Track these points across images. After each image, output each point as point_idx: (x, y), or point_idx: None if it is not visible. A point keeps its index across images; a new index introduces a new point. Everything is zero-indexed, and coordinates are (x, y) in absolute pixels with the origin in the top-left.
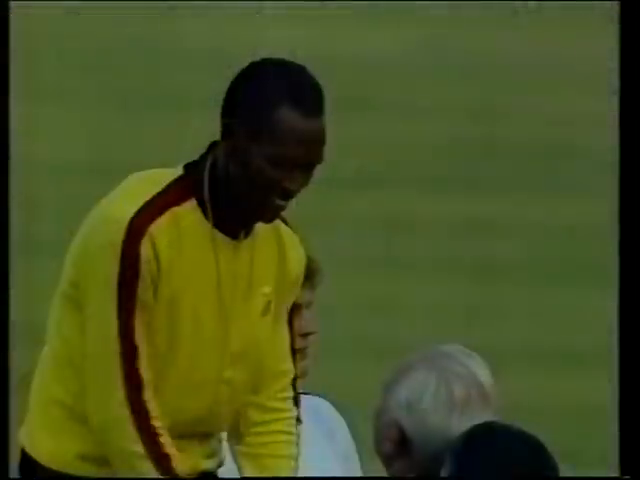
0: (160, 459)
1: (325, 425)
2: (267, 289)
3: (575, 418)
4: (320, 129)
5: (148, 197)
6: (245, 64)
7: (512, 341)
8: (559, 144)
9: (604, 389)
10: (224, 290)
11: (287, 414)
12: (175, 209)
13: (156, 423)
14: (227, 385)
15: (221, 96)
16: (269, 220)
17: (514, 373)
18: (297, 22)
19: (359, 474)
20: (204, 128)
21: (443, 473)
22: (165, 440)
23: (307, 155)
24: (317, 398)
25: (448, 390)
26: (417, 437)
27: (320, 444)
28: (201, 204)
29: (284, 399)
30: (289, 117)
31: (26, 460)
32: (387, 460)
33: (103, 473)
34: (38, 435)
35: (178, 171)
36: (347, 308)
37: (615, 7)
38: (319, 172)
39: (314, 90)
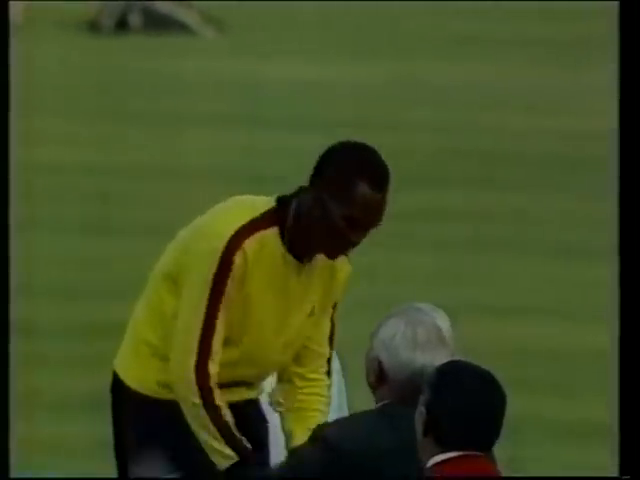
0: (211, 408)
1: None
2: (315, 297)
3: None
4: (385, 201)
5: (246, 220)
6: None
7: (467, 299)
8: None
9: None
10: (286, 297)
11: (322, 382)
12: (263, 232)
13: (213, 384)
14: (276, 364)
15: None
16: (332, 259)
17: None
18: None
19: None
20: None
21: (421, 401)
22: (217, 396)
23: (373, 220)
24: None
25: (413, 332)
26: (391, 368)
27: None
28: (282, 232)
29: (321, 372)
30: (364, 190)
31: (117, 382)
32: (372, 389)
33: (172, 396)
34: (129, 364)
35: (272, 202)
36: None
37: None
38: None
39: (384, 169)
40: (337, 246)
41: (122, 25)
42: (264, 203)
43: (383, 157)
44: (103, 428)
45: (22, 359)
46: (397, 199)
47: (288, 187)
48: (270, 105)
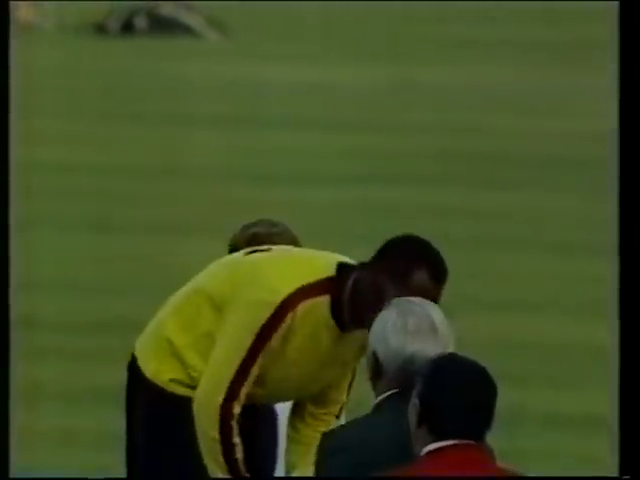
0: (227, 445)
1: None
2: (348, 357)
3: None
4: (440, 294)
5: (305, 282)
6: None
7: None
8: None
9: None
10: (319, 360)
11: (331, 423)
12: (317, 299)
13: (234, 423)
14: (293, 398)
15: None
16: None
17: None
18: None
19: None
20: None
21: (414, 393)
22: (236, 435)
23: None
24: None
25: (404, 320)
26: (385, 359)
27: None
28: (332, 301)
29: (332, 414)
30: (423, 278)
31: (134, 365)
32: (372, 385)
33: (186, 392)
34: (148, 355)
35: (331, 267)
36: None
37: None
38: None
39: (444, 264)
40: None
41: (128, 28)
42: (323, 266)
43: (383, 157)
44: (105, 420)
45: (23, 353)
46: (397, 196)
47: (290, 187)
48: (272, 106)
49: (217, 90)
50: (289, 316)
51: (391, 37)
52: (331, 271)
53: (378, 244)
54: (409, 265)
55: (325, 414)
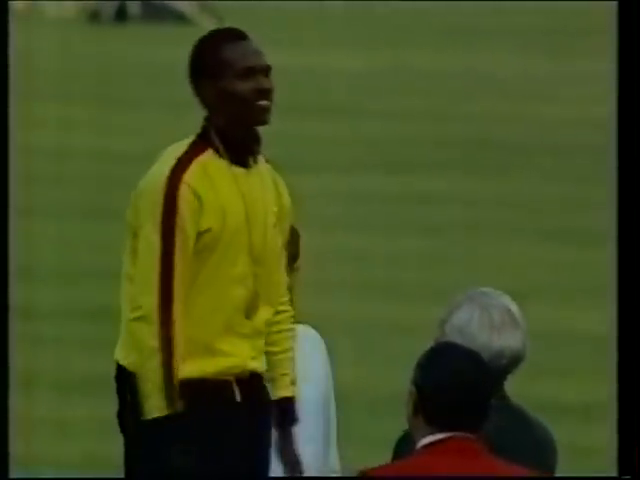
0: (168, 357)
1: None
2: (275, 208)
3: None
4: (254, 43)
5: (178, 156)
6: None
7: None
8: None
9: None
10: (249, 209)
11: (289, 313)
12: (199, 159)
13: (176, 330)
14: (256, 278)
15: None
16: (264, 121)
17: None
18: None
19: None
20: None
21: (411, 380)
22: (177, 344)
23: (259, 60)
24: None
25: (489, 316)
26: None
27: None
28: (216, 150)
29: (285, 302)
30: (232, 45)
31: (119, 370)
32: None
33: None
34: (127, 351)
35: (192, 137)
36: None
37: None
38: None
39: (235, 29)
40: (257, 100)
41: (121, 14)
42: (187, 140)
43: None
44: (102, 409)
45: (22, 341)
46: (389, 183)
47: (287, 171)
48: None
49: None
50: (182, 191)
51: (386, 24)
52: (192, 138)
53: (374, 231)
54: (216, 53)
55: (281, 304)
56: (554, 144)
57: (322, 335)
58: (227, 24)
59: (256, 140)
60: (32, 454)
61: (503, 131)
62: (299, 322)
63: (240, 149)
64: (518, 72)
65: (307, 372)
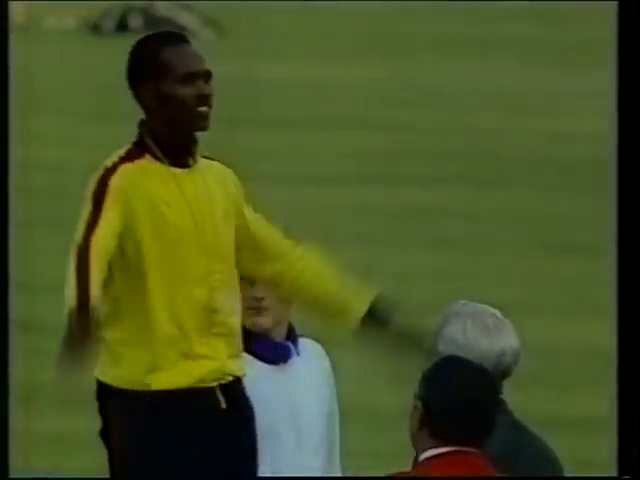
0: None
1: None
2: (222, 203)
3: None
4: (192, 47)
5: (114, 162)
6: None
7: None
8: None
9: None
10: (194, 207)
11: (299, 250)
12: (138, 161)
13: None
14: (216, 274)
15: None
16: (203, 127)
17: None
18: None
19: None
20: None
21: (417, 395)
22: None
23: (199, 63)
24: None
25: (482, 320)
26: (474, 360)
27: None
28: (154, 156)
29: (293, 247)
30: (171, 50)
31: (100, 387)
32: None
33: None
34: (106, 368)
35: (128, 146)
36: None
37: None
38: None
39: (171, 31)
40: (197, 106)
41: (122, 26)
42: (126, 146)
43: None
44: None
45: (22, 354)
46: (391, 196)
47: (290, 184)
48: (269, 105)
49: (213, 89)
50: (115, 178)
51: (389, 35)
52: (129, 145)
53: (375, 244)
54: (153, 56)
55: (288, 251)
56: (555, 158)
57: (327, 351)
58: (229, 38)
59: (193, 142)
60: (31, 468)
61: (505, 145)
62: (303, 337)
63: (178, 151)
64: (520, 86)
65: (312, 387)
